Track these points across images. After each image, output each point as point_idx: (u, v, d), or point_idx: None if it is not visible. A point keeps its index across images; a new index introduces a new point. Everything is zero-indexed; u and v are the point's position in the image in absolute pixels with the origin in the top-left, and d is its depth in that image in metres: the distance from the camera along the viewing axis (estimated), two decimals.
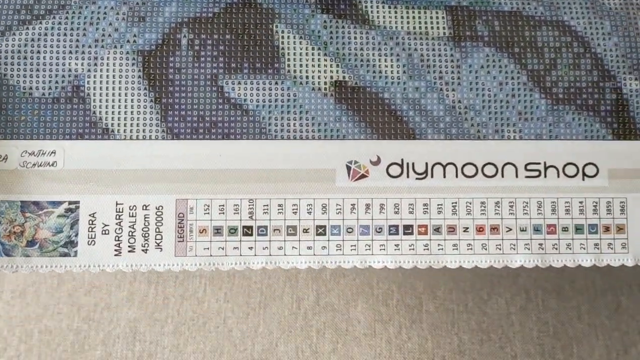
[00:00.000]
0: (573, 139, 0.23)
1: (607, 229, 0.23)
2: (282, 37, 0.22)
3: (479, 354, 0.30)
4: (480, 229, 0.22)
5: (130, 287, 0.31)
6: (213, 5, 0.23)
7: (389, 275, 0.31)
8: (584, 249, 0.23)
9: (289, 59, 0.22)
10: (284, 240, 0.22)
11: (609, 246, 0.23)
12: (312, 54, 0.22)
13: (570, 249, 0.22)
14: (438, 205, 0.22)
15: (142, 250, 0.22)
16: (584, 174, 0.23)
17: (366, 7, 0.23)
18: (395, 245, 0.22)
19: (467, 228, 0.22)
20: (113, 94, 0.22)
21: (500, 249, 0.22)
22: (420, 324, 0.30)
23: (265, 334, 0.30)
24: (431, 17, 0.23)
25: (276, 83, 0.22)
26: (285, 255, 0.22)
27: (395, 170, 0.22)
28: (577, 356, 0.30)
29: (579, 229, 0.23)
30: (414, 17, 0.23)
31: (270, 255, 0.22)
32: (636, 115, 0.23)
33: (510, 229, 0.22)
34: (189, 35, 0.22)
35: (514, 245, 0.22)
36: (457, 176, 0.22)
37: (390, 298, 0.31)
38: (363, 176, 0.22)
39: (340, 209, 0.22)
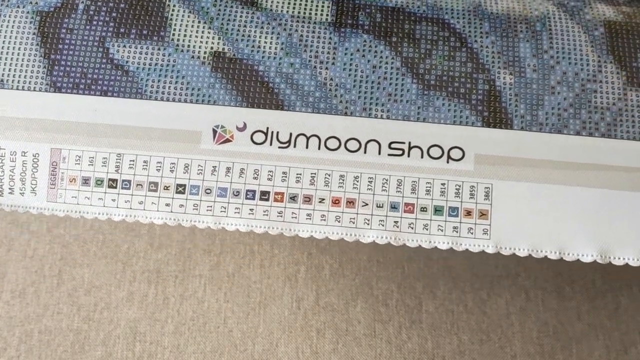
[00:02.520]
0: (441, 122, 0.23)
1: (468, 213, 0.22)
2: (173, 9, 0.24)
3: (479, 354, 0.29)
4: (336, 201, 0.22)
5: (130, 287, 0.31)
6: None
7: (388, 275, 0.31)
8: (442, 231, 0.22)
9: (174, 29, 0.24)
10: (145, 196, 0.23)
11: (469, 231, 0.22)
12: (197, 27, 0.24)
13: (427, 229, 0.22)
14: (297, 174, 0.22)
15: (20, 193, 0.23)
16: (449, 157, 0.22)
17: None
18: (250, 209, 0.22)
19: (323, 199, 0.22)
20: (8, 48, 0.24)
21: (353, 223, 0.22)
22: (420, 324, 0.30)
23: (265, 334, 0.30)
24: (317, 5, 0.24)
25: (159, 49, 0.24)
26: (144, 210, 0.23)
27: (259, 137, 0.23)
28: (576, 356, 0.29)
29: (438, 210, 0.22)
30: (300, 4, 0.24)
31: (130, 208, 0.23)
32: (508, 106, 0.23)
33: (367, 204, 0.22)
34: (87, 1, 0.24)
35: (368, 220, 0.22)
36: (319, 148, 0.23)
37: (389, 298, 0.30)
38: (227, 140, 0.23)
39: (202, 170, 0.23)
